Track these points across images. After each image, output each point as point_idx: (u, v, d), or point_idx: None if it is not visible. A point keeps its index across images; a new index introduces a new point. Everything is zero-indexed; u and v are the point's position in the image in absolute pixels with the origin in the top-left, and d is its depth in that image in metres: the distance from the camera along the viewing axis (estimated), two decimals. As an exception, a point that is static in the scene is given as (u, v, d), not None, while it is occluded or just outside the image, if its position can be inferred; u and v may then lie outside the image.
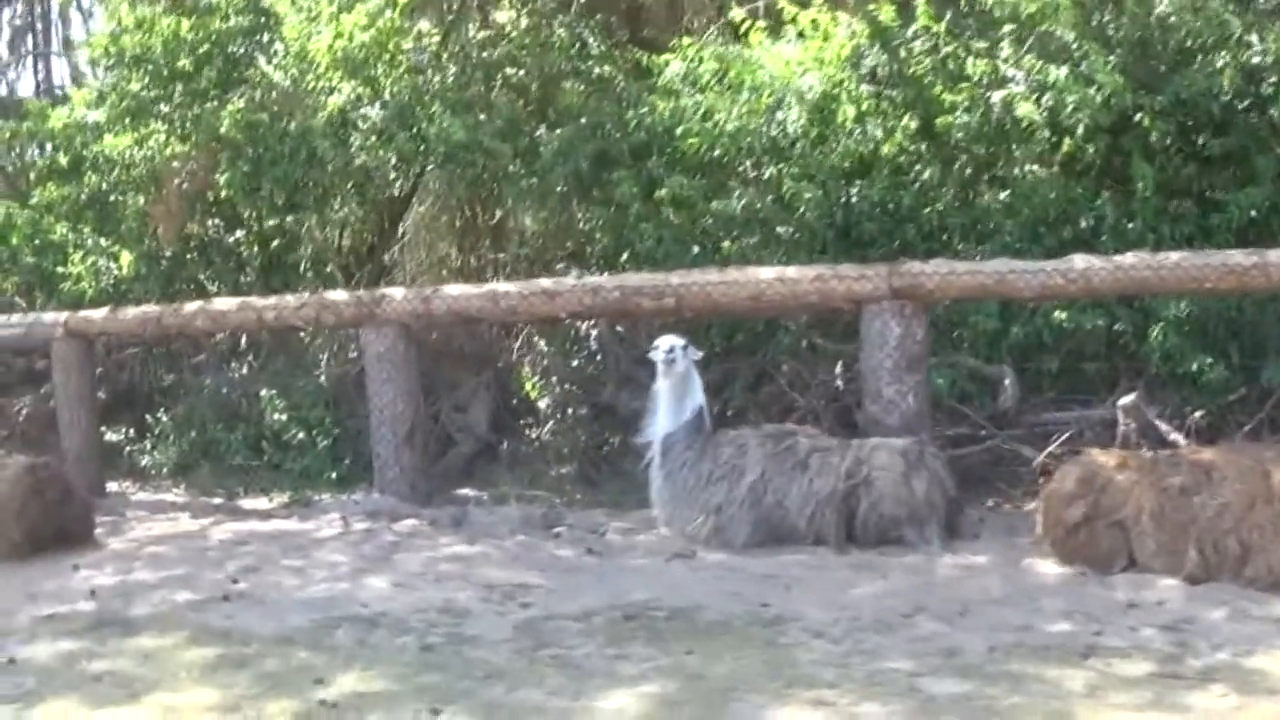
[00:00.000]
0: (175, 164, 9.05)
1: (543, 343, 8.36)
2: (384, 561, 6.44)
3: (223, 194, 8.86)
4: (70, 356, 8.31)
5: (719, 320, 7.52)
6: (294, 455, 8.11)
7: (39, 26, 12.79)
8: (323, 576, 6.21)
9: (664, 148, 7.98)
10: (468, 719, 4.30)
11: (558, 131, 8.00)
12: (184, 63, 8.79)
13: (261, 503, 7.95)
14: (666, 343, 6.56)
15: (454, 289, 7.38)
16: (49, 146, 10.00)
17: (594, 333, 8.27)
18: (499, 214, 9.13)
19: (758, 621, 5.25)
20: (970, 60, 7.79)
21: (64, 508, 7.10)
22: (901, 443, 6.46)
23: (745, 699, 4.35)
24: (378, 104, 8.20)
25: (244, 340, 9.18)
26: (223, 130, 8.44)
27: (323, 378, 8.21)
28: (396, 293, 7.41)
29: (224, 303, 7.88)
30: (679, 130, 7.75)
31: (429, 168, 8.16)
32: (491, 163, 7.99)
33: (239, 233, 9.27)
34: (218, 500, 8.06)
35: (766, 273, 6.98)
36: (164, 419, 8.97)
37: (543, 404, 8.29)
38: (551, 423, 8.18)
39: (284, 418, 8.08)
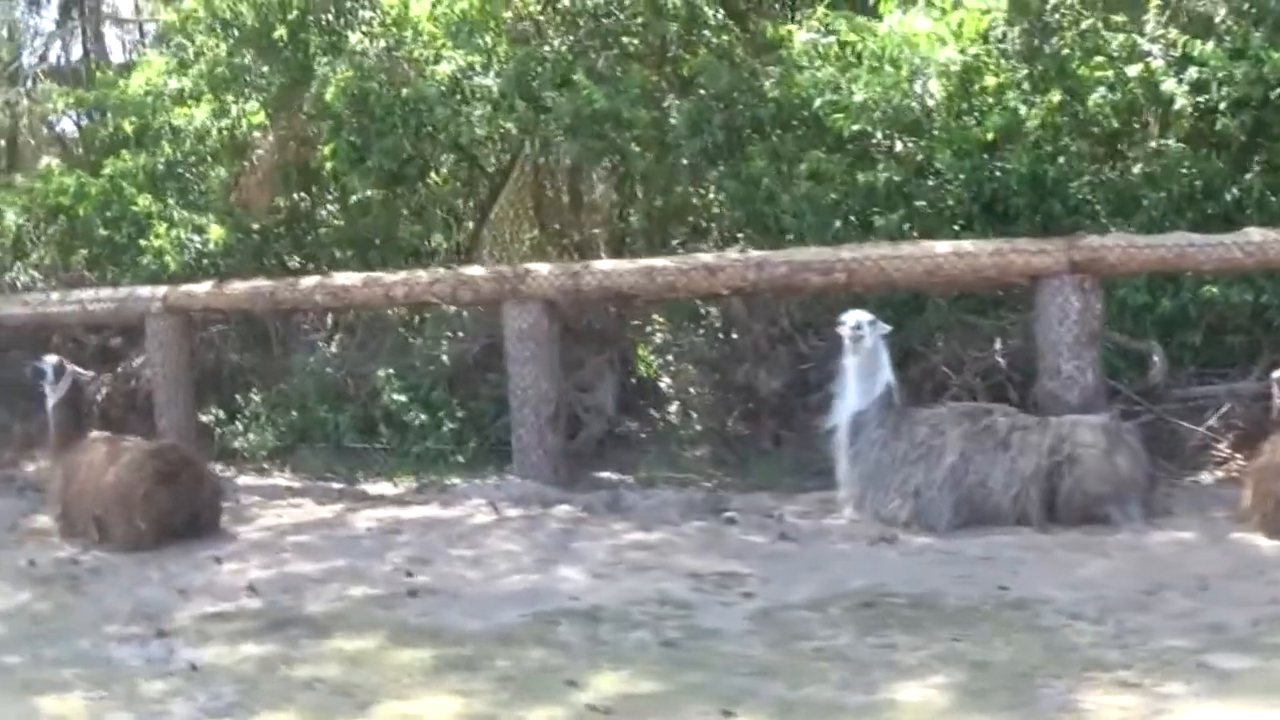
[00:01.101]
0: (265, 134, 8.47)
1: (661, 320, 7.91)
2: (564, 550, 6.06)
3: (316, 166, 8.29)
4: (168, 333, 7.82)
5: (865, 298, 7.16)
6: (413, 438, 7.57)
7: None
8: (506, 568, 5.83)
9: (798, 120, 7.57)
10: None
11: (685, 102, 7.54)
12: (280, 31, 8.19)
13: (385, 487, 7.47)
14: (853, 318, 6.21)
15: (605, 264, 6.97)
16: (111, 115, 9.38)
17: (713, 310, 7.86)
18: (599, 189, 8.66)
19: (1004, 605, 4.97)
20: (1109, 34, 7.51)
21: (194, 494, 6.63)
22: (1099, 419, 6.21)
23: (1048, 684, 4.09)
24: (491, 73, 7.67)
25: (329, 318, 8.65)
26: (329, 98, 7.85)
27: (444, 357, 7.67)
28: (542, 268, 6.99)
29: (347, 277, 7.39)
30: (818, 103, 7.35)
31: (557, 138, 7.62)
32: (622, 134, 7.50)
33: (330, 206, 8.68)
34: (337, 485, 7.53)
35: (942, 246, 6.67)
36: (255, 400, 8.39)
37: (664, 383, 7.86)
38: (677, 403, 7.76)
39: (404, 399, 7.53)
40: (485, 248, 9.03)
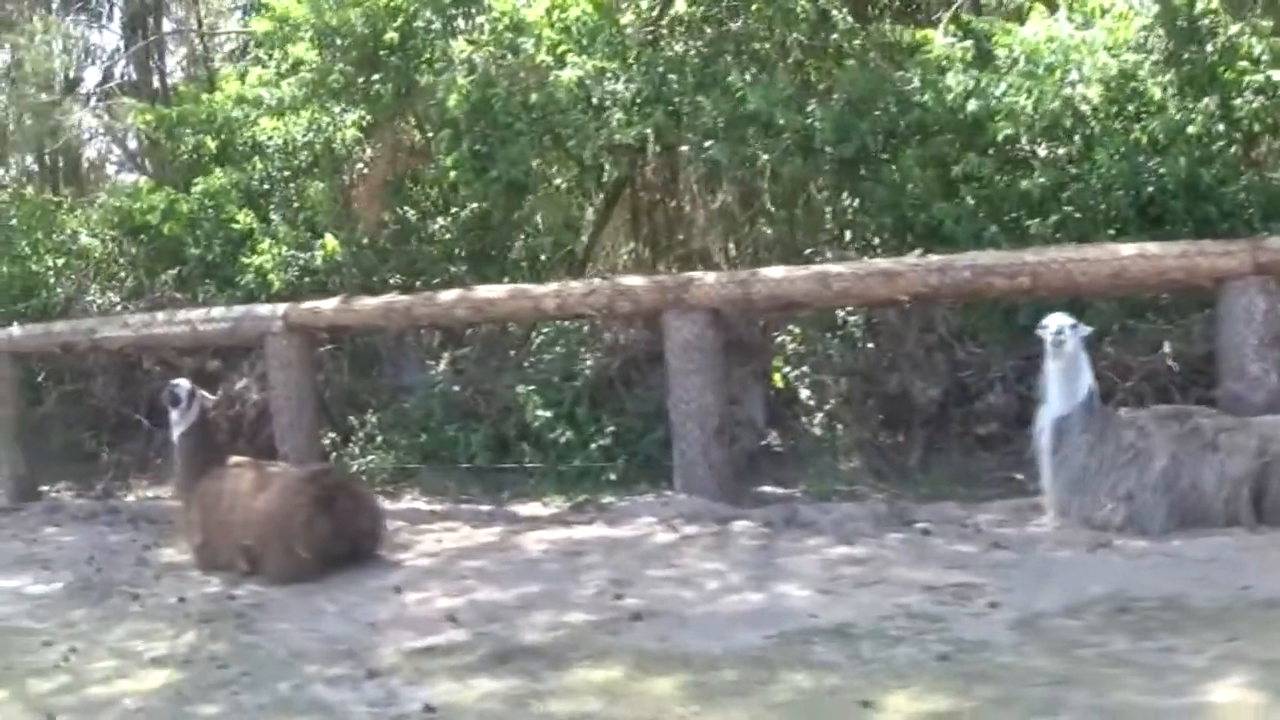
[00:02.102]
0: (369, 146, 8.13)
1: (796, 331, 7.66)
2: (770, 567, 5.80)
3: (428, 178, 7.96)
4: (290, 352, 7.51)
5: (1031, 303, 6.96)
6: (557, 456, 7.23)
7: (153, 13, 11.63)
8: (717, 587, 5.56)
9: (945, 125, 7.38)
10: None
11: (828, 107, 7.31)
12: (390, 35, 7.87)
13: (534, 508, 7.16)
14: (1055, 322, 6.02)
15: (775, 271, 6.72)
16: (191, 132, 9.01)
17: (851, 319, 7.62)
18: (721, 198, 8.39)
19: (1255, 605, 4.80)
20: (1256, 40, 7.41)
21: (355, 520, 6.29)
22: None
23: (1364, 681, 3.89)
24: (622, 78, 7.40)
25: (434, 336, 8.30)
26: (451, 105, 7.54)
27: (588, 372, 7.35)
28: (708, 276, 6.76)
29: (491, 290, 7.10)
30: (972, 106, 7.16)
31: (697, 143, 7.34)
32: (767, 138, 7.25)
33: (441, 219, 8.34)
34: (484, 507, 7.20)
35: (1127, 249, 6.50)
36: (371, 421, 8.02)
37: (804, 394, 7.60)
38: (821, 414, 7.50)
39: (549, 414, 7.20)
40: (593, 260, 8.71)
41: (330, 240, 8.09)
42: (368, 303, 7.32)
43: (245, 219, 8.55)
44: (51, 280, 9.63)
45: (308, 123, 8.39)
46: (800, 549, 6.02)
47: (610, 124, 7.41)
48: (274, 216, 8.43)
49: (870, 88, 7.45)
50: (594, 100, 7.51)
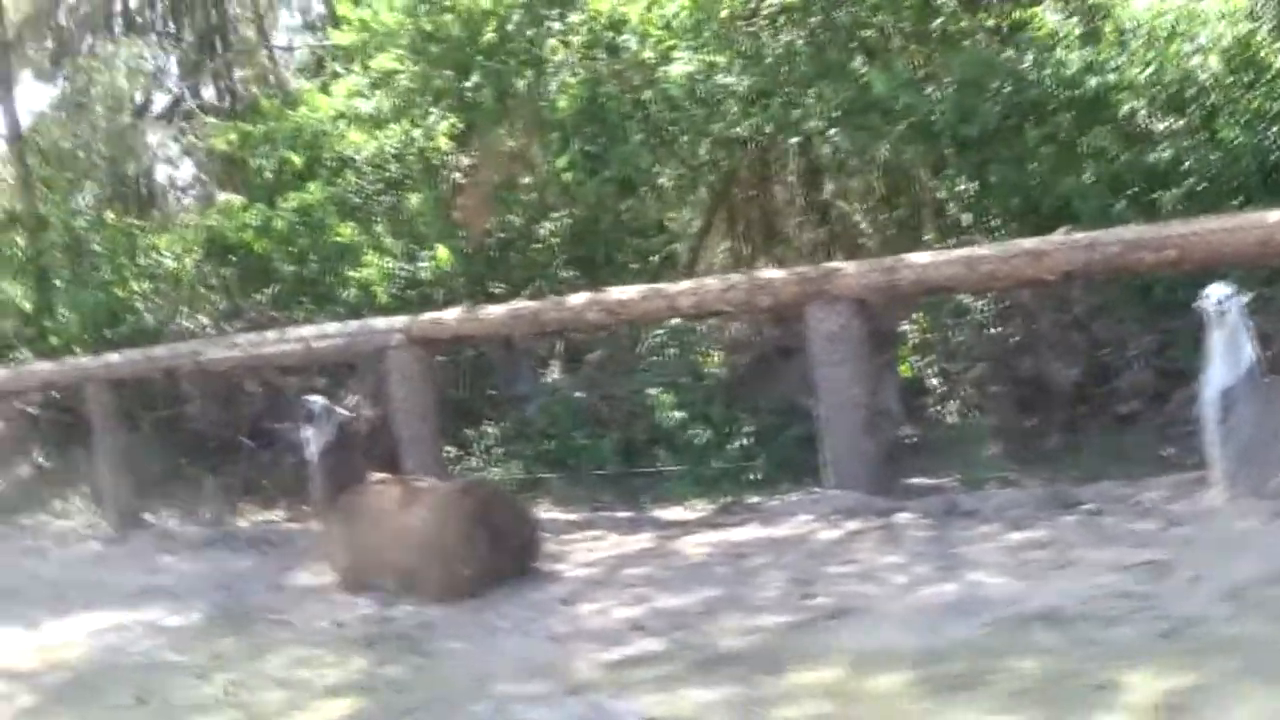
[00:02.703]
0: (468, 153, 8.00)
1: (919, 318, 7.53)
2: (951, 557, 5.66)
3: (534, 182, 7.82)
4: (412, 366, 7.38)
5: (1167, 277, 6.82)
6: (693, 457, 7.09)
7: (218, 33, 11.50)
8: (905, 580, 5.42)
9: (1064, 102, 7.25)
10: None
11: (949, 89, 7.18)
12: (489, 36, 7.73)
13: (676, 511, 6.99)
14: (1217, 292, 5.85)
15: (920, 257, 6.61)
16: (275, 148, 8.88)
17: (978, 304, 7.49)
18: (829, 188, 8.25)
19: None
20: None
21: (514, 533, 6.13)
22: None
23: None
24: (734, 72, 7.27)
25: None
26: (562, 106, 7.40)
27: (723, 371, 7.21)
28: (850, 266, 6.67)
29: (623, 291, 6.97)
30: (1092, 82, 7.04)
31: (831, 133, 7.20)
32: (886, 126, 7.12)
33: (546, 225, 8.19)
34: (623, 514, 7.05)
35: (1273, 216, 6.31)
36: (490, 432, 7.87)
37: (932, 382, 7.47)
38: (953, 402, 7.37)
39: (684, 415, 7.06)
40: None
41: (443, 250, 7.95)
42: (493, 310, 7.20)
43: (348, 231, 8.41)
44: (139, 305, 9.51)
45: (402, 133, 8.25)
46: (974, 537, 5.87)
47: (724, 118, 7.27)
48: (379, 228, 8.28)
49: (983, 69, 7.33)
50: (704, 95, 7.36)
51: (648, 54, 7.72)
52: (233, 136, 9.63)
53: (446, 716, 4.45)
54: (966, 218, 7.72)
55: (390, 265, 8.16)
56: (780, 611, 5.15)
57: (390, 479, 6.64)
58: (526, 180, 8.13)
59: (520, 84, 7.88)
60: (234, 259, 9.04)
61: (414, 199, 8.35)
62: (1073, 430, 7.16)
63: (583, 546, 6.58)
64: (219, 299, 9.29)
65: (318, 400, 6.66)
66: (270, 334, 7.88)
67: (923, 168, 7.56)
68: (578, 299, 7.01)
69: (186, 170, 11.05)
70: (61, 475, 9.93)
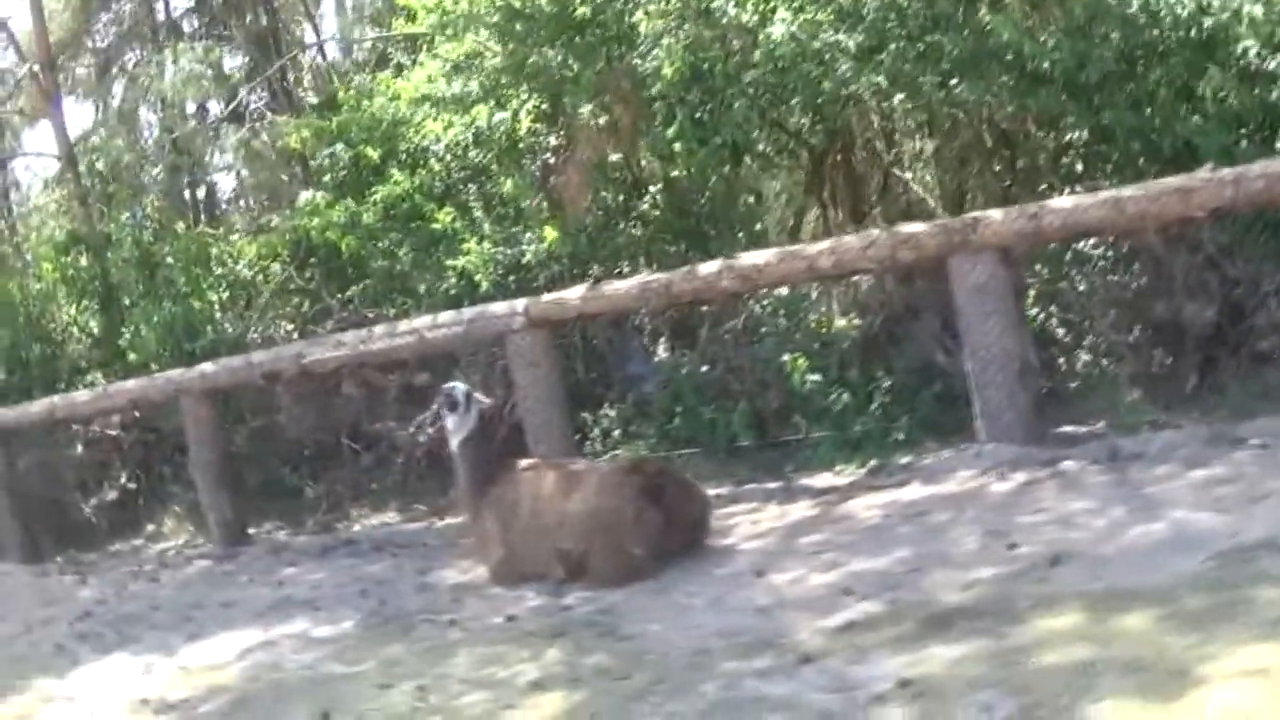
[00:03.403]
0: (557, 131, 7.76)
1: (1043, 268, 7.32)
2: (1141, 498, 5.40)
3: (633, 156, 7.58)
4: (535, 349, 7.11)
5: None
6: (831, 422, 6.86)
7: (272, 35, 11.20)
8: (1104, 524, 5.17)
9: (1180, 42, 7.05)
10: None
11: (1065, 34, 6.96)
12: (581, 11, 7.49)
13: (825, 478, 6.77)
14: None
15: (1064, 201, 6.41)
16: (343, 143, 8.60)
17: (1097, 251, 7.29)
18: (928, 145, 8.01)
19: None
20: None
21: (685, 510, 5.90)
22: None
23: None
24: (841, 28, 7.04)
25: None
26: (667, 75, 7.16)
27: (855, 333, 6.98)
28: (995, 214, 6.42)
29: (758, 256, 6.73)
30: (1208, 23, 6.85)
31: (954, 84, 6.94)
32: (1004, 76, 6.88)
33: (646, 199, 7.93)
34: (772, 484, 6.87)
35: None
36: (610, 413, 7.64)
37: (1060, 332, 7.27)
38: (1083, 350, 7.17)
39: (818, 379, 6.83)
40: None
41: (551, 231, 7.69)
42: (620, 286, 6.94)
43: (446, 219, 8.14)
44: (217, 315, 9.21)
45: (487, 116, 7.99)
46: (1155, 478, 5.60)
47: (837, 76, 7.04)
48: (478, 214, 8.01)
49: (1096, 14, 7.12)
50: (813, 54, 7.13)
51: (746, 16, 7.51)
52: (305, 133, 9.36)
53: (679, 699, 4.19)
54: (1080, 167, 7.53)
55: (490, 251, 7.89)
56: (991, 564, 4.92)
57: (538, 464, 6.44)
58: (620, 156, 7.86)
59: (615, 56, 7.64)
60: (315, 260, 8.75)
61: (507, 183, 8.10)
62: (1212, 371, 6.96)
63: (744, 519, 6.31)
64: (301, 302, 9.03)
65: (459, 386, 6.37)
66: (378, 329, 7.60)
67: (1035, 117, 7.33)
68: (710, 267, 6.75)
69: (250, 174, 10.71)
70: (151, 496, 9.66)
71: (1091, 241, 7.34)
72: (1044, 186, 7.58)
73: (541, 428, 7.04)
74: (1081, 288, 7.27)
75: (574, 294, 7.10)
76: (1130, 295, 7.21)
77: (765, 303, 7.69)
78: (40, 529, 9.64)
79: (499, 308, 7.27)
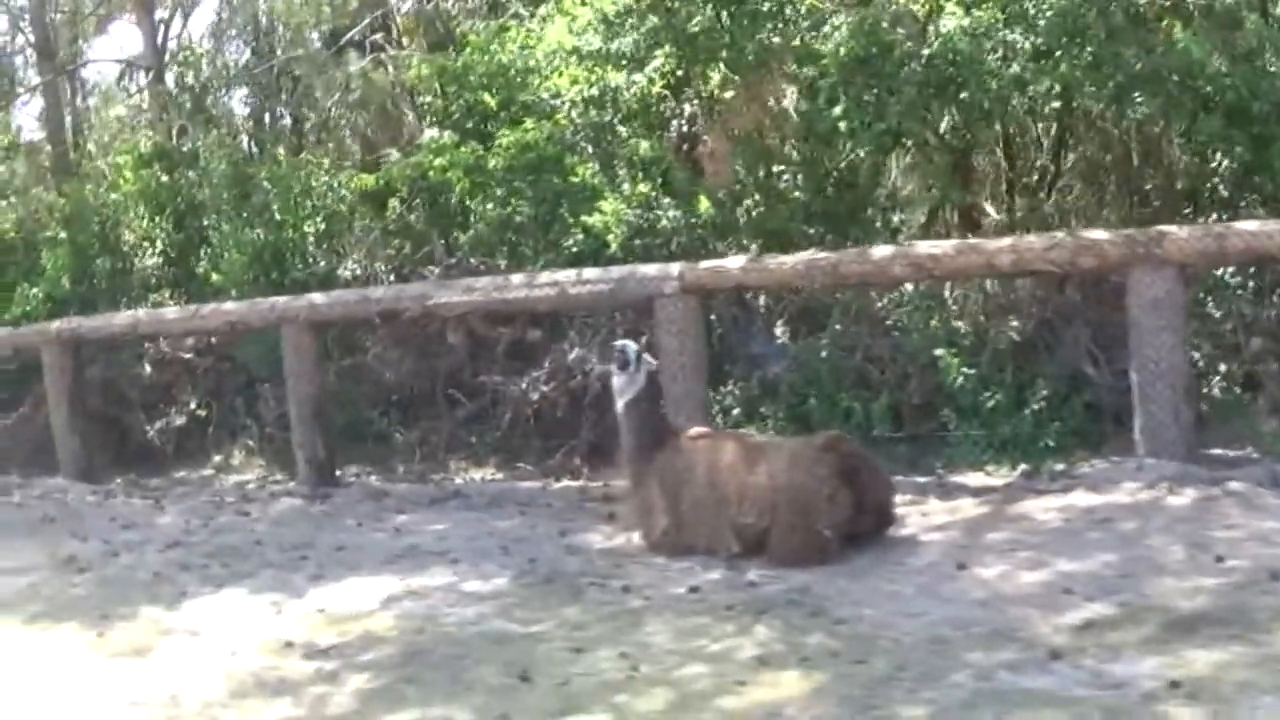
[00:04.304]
0: (693, 101, 7.50)
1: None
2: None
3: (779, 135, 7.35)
4: (685, 316, 6.86)
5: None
6: (981, 422, 6.71)
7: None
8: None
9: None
10: None
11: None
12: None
13: (976, 477, 6.60)
14: None
15: (1250, 224, 6.29)
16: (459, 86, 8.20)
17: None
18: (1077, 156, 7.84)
19: None
20: None
21: (874, 494, 5.68)
22: None
23: None
24: (1017, 28, 6.87)
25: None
26: (842, 54, 6.92)
27: (1014, 333, 6.82)
28: (1180, 230, 6.32)
29: (934, 245, 6.55)
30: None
31: (1136, 98, 6.79)
32: (1180, 96, 6.76)
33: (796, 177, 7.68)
34: (920, 478, 6.69)
35: None
36: (734, 391, 7.39)
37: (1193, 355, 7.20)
38: (1218, 377, 7.10)
39: (973, 376, 6.66)
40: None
41: (704, 201, 7.40)
42: (784, 260, 6.71)
43: (586, 173, 7.81)
44: (310, 248, 8.77)
45: (627, 75, 7.67)
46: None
47: (1008, 76, 6.88)
48: (620, 172, 7.69)
49: (1264, 42, 7.03)
50: (990, 49, 6.96)
51: (916, 6, 7.31)
52: (425, 70, 8.93)
53: (928, 687, 4.00)
54: (1225, 194, 7.46)
55: (627, 212, 7.59)
56: (1206, 574, 4.81)
57: (711, 433, 6.18)
58: (763, 131, 7.62)
59: (776, 32, 7.39)
60: (421, 201, 8.33)
61: (641, 145, 7.80)
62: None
63: (913, 510, 6.10)
64: (403, 244, 8.63)
65: (631, 345, 6.07)
66: (515, 278, 7.28)
67: (1189, 139, 7.22)
68: (883, 251, 6.57)
69: (364, 107, 10.19)
70: (220, 426, 9.20)
71: (1230, 270, 7.30)
72: (1188, 210, 7.52)
73: (684, 397, 6.78)
74: (1217, 314, 7.23)
75: (734, 263, 6.87)
76: (1274, 325, 7.18)
77: (894, 296, 7.55)
78: (97, 447, 9.21)
79: (650, 269, 7.02)
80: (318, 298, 8.02)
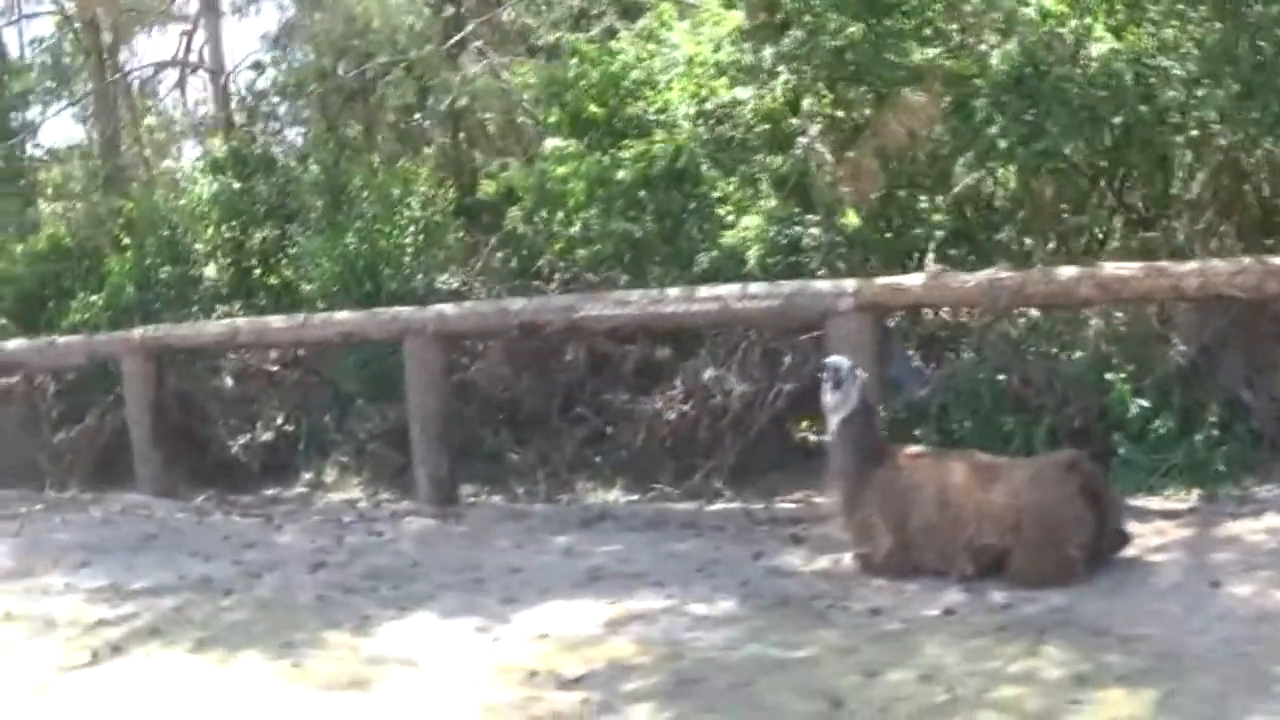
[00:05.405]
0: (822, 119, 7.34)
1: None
2: None
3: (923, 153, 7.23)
4: (860, 334, 6.65)
5: None
6: (1149, 446, 6.63)
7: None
8: None
9: None
10: None
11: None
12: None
13: (1151, 502, 6.51)
14: None
15: None
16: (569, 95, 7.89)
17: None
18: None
19: None
20: None
21: (1114, 514, 5.60)
22: None
23: None
24: (1174, 52, 6.90)
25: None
26: (1007, 71, 6.85)
27: (1180, 358, 6.77)
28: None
29: (1122, 267, 6.49)
30: None
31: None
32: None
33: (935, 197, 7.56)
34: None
35: None
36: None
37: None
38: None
39: (1144, 403, 6.60)
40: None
41: (851, 214, 7.21)
42: (967, 278, 6.61)
43: (729, 188, 7.54)
44: (406, 258, 8.29)
45: (757, 89, 7.46)
46: None
47: (1161, 102, 6.90)
48: (763, 186, 7.44)
49: None
50: (1141, 75, 6.98)
51: (1065, 30, 7.29)
52: (532, 79, 8.55)
53: (1260, 699, 3.91)
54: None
55: (763, 228, 7.35)
56: None
57: (930, 453, 6.00)
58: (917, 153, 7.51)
59: (922, 50, 7.31)
60: (535, 212, 7.95)
61: (779, 161, 7.59)
62: None
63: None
64: (509, 255, 8.22)
65: (843, 361, 5.89)
66: (672, 291, 6.99)
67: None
68: (1068, 272, 6.51)
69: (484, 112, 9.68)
70: (309, 442, 8.61)
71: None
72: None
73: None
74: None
75: (913, 280, 6.76)
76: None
77: (1024, 320, 7.49)
78: (177, 461, 8.59)
79: (824, 285, 6.87)
80: (448, 309, 7.68)
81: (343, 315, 8.06)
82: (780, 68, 7.84)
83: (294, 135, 10.34)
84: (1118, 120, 7.20)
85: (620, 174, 7.75)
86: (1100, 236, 8.00)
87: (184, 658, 5.31)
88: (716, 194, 7.63)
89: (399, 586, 6.14)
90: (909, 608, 5.26)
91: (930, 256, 7.47)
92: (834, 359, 6.03)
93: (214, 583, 6.43)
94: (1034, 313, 7.60)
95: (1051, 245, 7.95)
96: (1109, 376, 6.86)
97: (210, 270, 9.46)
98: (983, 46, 7.27)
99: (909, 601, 5.34)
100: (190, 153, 12.10)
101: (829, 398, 5.94)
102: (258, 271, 9.47)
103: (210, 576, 6.55)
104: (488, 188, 8.58)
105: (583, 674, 4.76)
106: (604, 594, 5.76)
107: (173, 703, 4.76)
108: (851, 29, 7.15)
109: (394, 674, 4.93)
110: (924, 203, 7.64)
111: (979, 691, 4.28)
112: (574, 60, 8.48)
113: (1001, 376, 7.18)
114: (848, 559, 5.92)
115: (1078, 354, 7.31)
